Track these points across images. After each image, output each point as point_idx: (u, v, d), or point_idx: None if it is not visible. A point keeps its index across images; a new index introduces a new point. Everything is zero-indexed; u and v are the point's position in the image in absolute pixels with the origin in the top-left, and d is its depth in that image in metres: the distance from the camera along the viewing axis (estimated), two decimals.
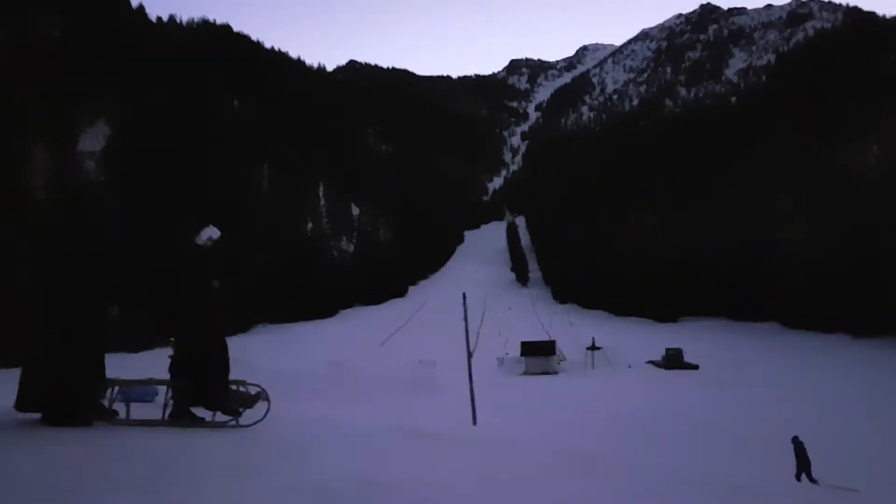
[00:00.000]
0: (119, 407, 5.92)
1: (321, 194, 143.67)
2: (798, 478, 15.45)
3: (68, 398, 4.74)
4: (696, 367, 54.20)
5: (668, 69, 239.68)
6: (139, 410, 5.65)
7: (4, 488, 3.07)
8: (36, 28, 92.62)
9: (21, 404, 4.80)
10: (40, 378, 4.76)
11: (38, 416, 4.82)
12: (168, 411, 5.54)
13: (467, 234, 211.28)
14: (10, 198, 68.53)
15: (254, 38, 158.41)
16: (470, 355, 24.54)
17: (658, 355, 58.73)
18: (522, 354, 58.83)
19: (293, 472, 3.74)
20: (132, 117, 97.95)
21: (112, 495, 3.06)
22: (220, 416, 5.44)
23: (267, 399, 5.74)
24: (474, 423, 19.90)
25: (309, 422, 5.69)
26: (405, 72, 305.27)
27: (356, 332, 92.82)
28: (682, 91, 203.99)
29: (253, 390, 5.88)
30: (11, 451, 3.70)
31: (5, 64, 79.93)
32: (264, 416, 5.48)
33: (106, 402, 5.73)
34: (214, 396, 5.51)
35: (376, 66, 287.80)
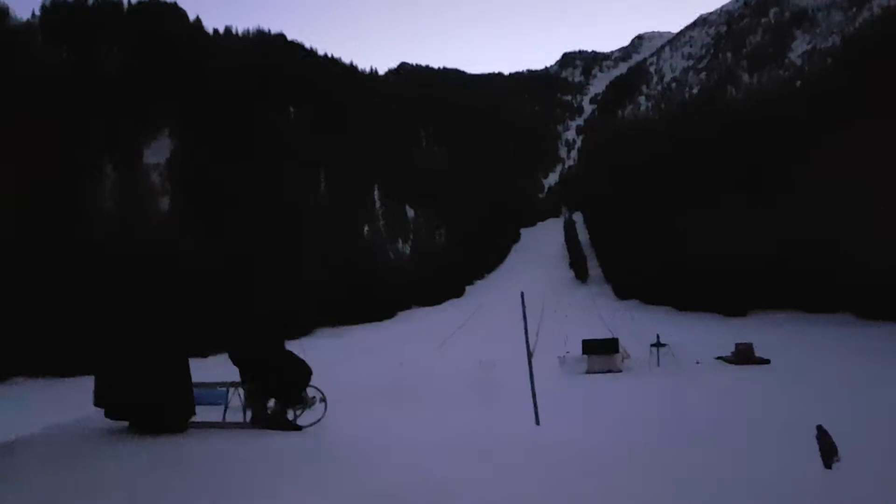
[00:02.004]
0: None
1: (376, 198, 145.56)
2: (828, 466, 14.91)
3: (158, 406, 4.86)
4: (767, 361, 52.21)
5: (729, 55, 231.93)
6: (209, 414, 5.79)
7: (91, 493, 3.16)
8: (100, 49, 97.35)
9: (109, 411, 4.95)
10: (127, 386, 4.88)
11: (124, 422, 4.99)
12: (249, 415, 5.69)
13: (523, 231, 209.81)
14: (81, 211, 72.25)
15: (307, 45, 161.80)
16: (530, 355, 24.26)
17: (727, 351, 56.81)
18: (584, 353, 57.89)
19: (361, 479, 3.74)
20: (194, 130, 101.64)
21: (194, 499, 3.11)
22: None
23: (324, 401, 5.80)
24: (537, 423, 19.67)
25: (372, 426, 5.70)
26: (456, 71, 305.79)
27: (414, 333, 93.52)
28: (745, 77, 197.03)
29: (310, 392, 5.94)
30: (96, 457, 3.82)
31: (74, 83, 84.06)
32: (321, 418, 5.53)
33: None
34: (289, 399, 5.63)
35: (427, 66, 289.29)
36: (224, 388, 9.99)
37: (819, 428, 16.31)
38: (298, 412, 5.73)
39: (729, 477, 5.58)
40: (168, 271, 5.83)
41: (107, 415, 4.99)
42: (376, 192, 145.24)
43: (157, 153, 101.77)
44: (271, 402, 5.67)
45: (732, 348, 56.44)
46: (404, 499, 3.34)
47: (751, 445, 18.00)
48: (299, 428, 5.35)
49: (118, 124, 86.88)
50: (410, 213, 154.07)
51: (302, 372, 5.59)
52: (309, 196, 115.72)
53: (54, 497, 3.16)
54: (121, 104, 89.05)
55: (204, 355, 36.76)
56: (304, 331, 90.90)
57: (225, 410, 5.90)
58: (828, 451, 15.50)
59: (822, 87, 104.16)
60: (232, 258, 62.39)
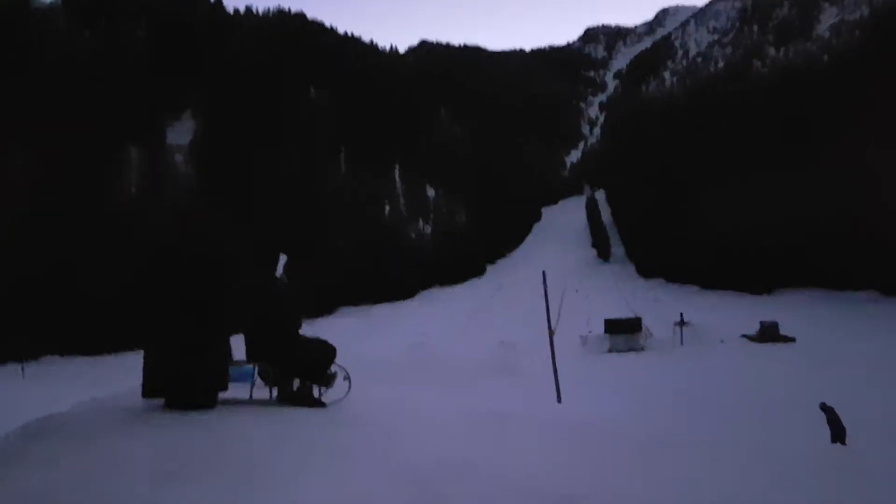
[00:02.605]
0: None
1: (397, 177, 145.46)
2: (836, 441, 15.05)
3: (188, 378, 4.98)
4: (793, 339, 51.66)
5: (755, 28, 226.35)
6: (236, 391, 5.90)
7: (117, 471, 3.25)
8: (123, 29, 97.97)
9: (147, 391, 5.09)
10: (166, 364, 5.01)
11: (159, 401, 5.13)
12: (275, 392, 5.82)
13: (545, 210, 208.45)
14: (106, 191, 73.32)
15: (327, 24, 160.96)
16: (552, 334, 24.31)
17: (752, 329, 56.30)
18: (606, 332, 57.80)
19: (383, 455, 3.79)
20: (216, 110, 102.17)
21: (220, 476, 3.19)
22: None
23: (348, 378, 5.89)
24: (559, 401, 19.75)
25: (395, 404, 5.78)
26: (477, 48, 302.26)
27: (435, 312, 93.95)
28: (771, 51, 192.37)
29: (335, 370, 6.03)
30: (128, 436, 3.93)
31: (97, 65, 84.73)
32: (345, 395, 5.62)
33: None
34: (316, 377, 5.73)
35: (447, 44, 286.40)
36: (251, 366, 10.16)
37: (823, 406, 16.46)
38: (323, 390, 5.83)
39: (747, 453, 5.56)
40: (206, 246, 5.94)
41: (143, 394, 5.12)
42: (397, 172, 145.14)
43: (181, 134, 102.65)
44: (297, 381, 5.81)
45: (757, 326, 55.93)
46: (425, 474, 3.39)
47: (772, 423, 17.91)
48: (324, 405, 5.45)
49: (141, 105, 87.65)
50: (431, 192, 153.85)
51: (325, 350, 5.68)
52: (329, 176, 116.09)
53: (81, 473, 3.26)
54: (143, 85, 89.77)
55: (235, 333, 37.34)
56: (326, 309, 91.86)
57: (252, 388, 6.02)
58: (836, 427, 15.70)
59: (850, 60, 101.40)
60: (257, 238, 63.08)
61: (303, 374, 5.57)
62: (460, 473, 3.45)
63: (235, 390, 5.98)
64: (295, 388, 5.82)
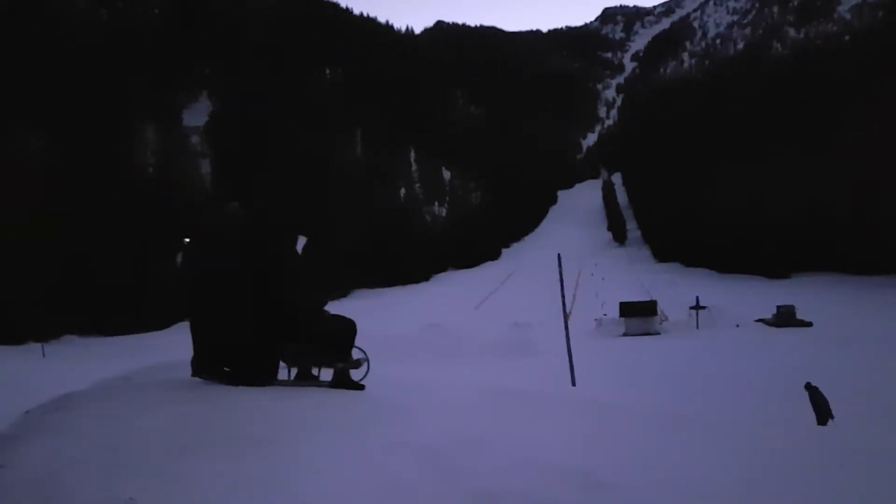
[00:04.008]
0: None
1: (412, 159, 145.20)
2: (823, 423, 15.10)
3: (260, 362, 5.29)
4: (809, 324, 51.24)
5: (775, 9, 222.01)
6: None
7: (138, 443, 3.32)
8: (137, 7, 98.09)
9: (200, 370, 5.32)
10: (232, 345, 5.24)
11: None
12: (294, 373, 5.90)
13: (561, 193, 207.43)
14: (124, 173, 73.89)
15: (343, 5, 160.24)
16: (567, 316, 24.29)
17: (768, 313, 55.88)
18: (621, 315, 57.62)
19: (395, 432, 3.82)
20: (232, 91, 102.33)
21: (228, 450, 3.25)
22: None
23: (366, 360, 5.94)
24: (573, 384, 19.77)
25: (407, 382, 5.82)
26: (493, 29, 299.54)
27: (450, 295, 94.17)
28: (791, 32, 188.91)
29: (355, 354, 6.07)
30: (148, 410, 4.01)
31: (112, 43, 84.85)
32: (364, 376, 5.67)
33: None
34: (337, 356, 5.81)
35: (464, 25, 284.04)
36: None
37: (808, 386, 16.54)
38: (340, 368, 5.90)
39: (760, 437, 5.54)
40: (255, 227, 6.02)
41: (193, 373, 5.30)
42: (412, 154, 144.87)
43: (196, 115, 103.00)
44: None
45: (774, 310, 55.49)
46: (439, 450, 3.42)
47: (780, 404, 17.81)
48: (362, 387, 5.48)
49: (157, 86, 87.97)
50: (447, 174, 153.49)
51: (348, 325, 5.71)
52: (344, 157, 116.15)
53: (103, 445, 3.33)
54: (159, 65, 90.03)
55: None
56: (341, 292, 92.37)
57: (288, 370, 6.11)
58: (821, 408, 15.75)
59: (871, 41, 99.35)
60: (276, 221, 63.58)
61: (329, 351, 5.62)
62: (475, 448, 3.47)
63: None
64: (315, 370, 5.90)
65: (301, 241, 6.13)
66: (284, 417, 3.90)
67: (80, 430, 3.51)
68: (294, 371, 5.94)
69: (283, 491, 2.72)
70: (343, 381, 5.51)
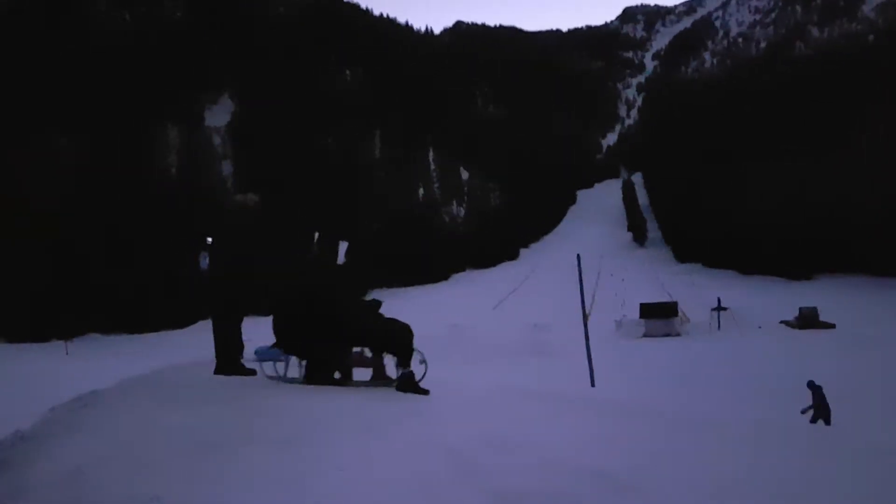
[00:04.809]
0: (254, 365, 6.44)
1: (431, 160, 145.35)
2: (815, 421, 15.00)
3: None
4: (832, 326, 50.48)
5: (798, 8, 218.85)
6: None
7: (163, 442, 3.36)
8: (160, 9, 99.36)
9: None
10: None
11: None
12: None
13: (580, 193, 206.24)
14: (146, 174, 74.89)
15: (363, 5, 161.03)
16: (586, 317, 24.14)
17: (791, 315, 55.14)
18: (641, 317, 57.20)
19: (418, 431, 3.83)
20: (253, 92, 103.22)
21: (253, 448, 3.28)
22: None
23: (424, 361, 6.03)
24: (592, 384, 19.67)
25: (430, 382, 5.81)
26: (513, 29, 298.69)
27: (469, 296, 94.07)
28: (815, 31, 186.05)
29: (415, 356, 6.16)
30: (173, 409, 4.06)
31: (134, 46, 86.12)
32: (422, 377, 5.79)
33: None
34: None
35: (483, 25, 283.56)
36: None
37: (811, 384, 16.52)
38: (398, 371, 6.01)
39: (781, 442, 5.48)
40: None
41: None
42: (431, 154, 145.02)
43: (218, 116, 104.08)
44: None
45: (796, 312, 54.73)
46: (459, 449, 3.43)
47: (798, 406, 17.57)
48: (427, 392, 5.53)
49: (180, 87, 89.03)
50: (465, 174, 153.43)
51: (407, 329, 5.79)
52: (365, 159, 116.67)
53: (128, 443, 3.37)
54: (182, 67, 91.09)
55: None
56: (361, 292, 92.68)
57: (286, 367, 6.22)
58: (820, 407, 15.90)
59: (894, 38, 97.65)
60: (293, 220, 63.97)
61: (396, 353, 5.73)
62: (499, 450, 3.48)
63: (276, 369, 6.14)
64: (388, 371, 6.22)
65: (343, 246, 6.32)
66: (311, 417, 3.93)
67: (106, 428, 3.56)
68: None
69: (308, 490, 2.73)
70: (409, 386, 5.55)
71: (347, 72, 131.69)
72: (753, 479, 3.77)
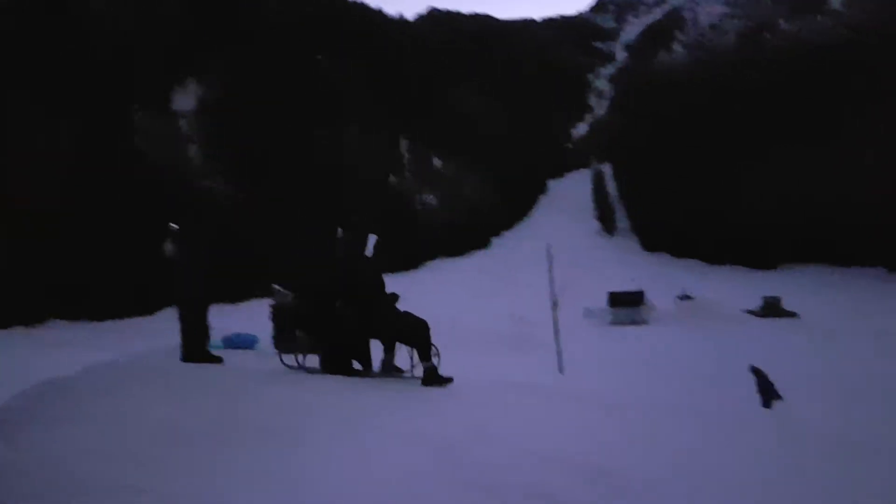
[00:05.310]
0: (221, 353, 6.40)
1: (403, 147, 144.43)
2: (767, 405, 15.49)
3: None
4: (795, 314, 51.91)
5: (769, 1, 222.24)
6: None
7: (133, 431, 3.33)
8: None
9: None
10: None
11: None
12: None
13: (551, 183, 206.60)
14: (112, 157, 73.09)
15: None
16: (555, 306, 24.44)
17: (754, 304, 56.48)
18: (610, 305, 57.98)
19: (397, 421, 3.87)
20: (222, 78, 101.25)
21: (237, 438, 3.27)
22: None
23: (437, 354, 6.09)
24: (560, 372, 19.98)
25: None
26: (487, 17, 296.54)
27: (441, 283, 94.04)
28: (783, 24, 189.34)
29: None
30: (143, 397, 4.03)
31: (129, 36, 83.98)
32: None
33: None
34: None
35: (457, 13, 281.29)
36: (254, 335, 10.44)
37: (753, 368, 16.99)
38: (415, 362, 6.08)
39: (742, 424, 5.67)
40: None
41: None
42: (404, 143, 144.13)
43: (185, 101, 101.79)
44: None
45: (760, 301, 56.07)
46: (448, 441, 3.48)
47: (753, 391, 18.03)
48: (451, 380, 5.59)
49: (146, 70, 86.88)
50: (438, 162, 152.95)
51: (418, 323, 5.86)
52: (334, 146, 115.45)
53: (96, 433, 3.35)
54: (147, 47, 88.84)
55: (238, 301, 37.79)
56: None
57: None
58: (766, 390, 16.18)
59: (866, 35, 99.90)
60: (264, 210, 63.28)
61: (416, 346, 5.78)
62: (477, 440, 3.54)
63: (244, 358, 6.13)
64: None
65: (371, 240, 6.36)
66: (293, 408, 3.94)
67: (85, 418, 3.53)
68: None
69: (290, 480, 2.75)
70: (434, 378, 5.62)
71: (318, 58, 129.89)
72: (723, 465, 3.90)
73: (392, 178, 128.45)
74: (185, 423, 3.45)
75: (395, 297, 6.35)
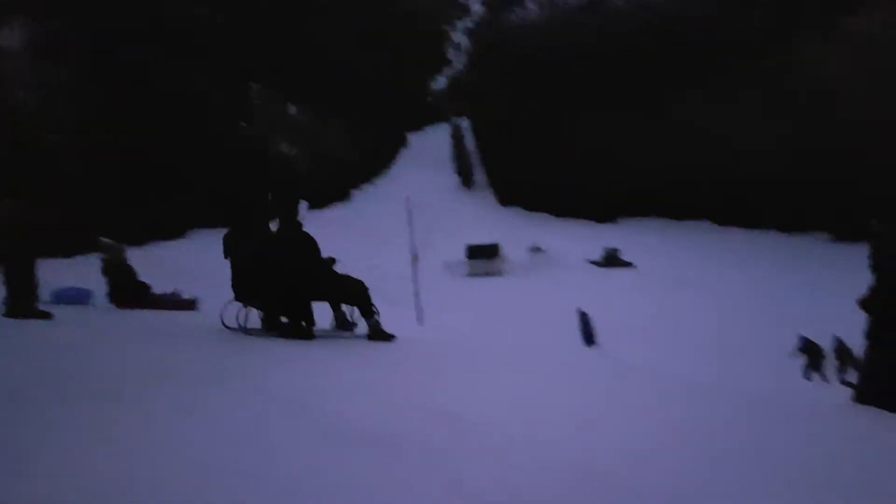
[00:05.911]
0: (53, 308, 6.03)
1: (256, 95, 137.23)
2: (589, 344, 18.13)
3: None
4: (631, 264, 56.68)
5: None
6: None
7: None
8: None
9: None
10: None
11: None
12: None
13: (411, 136, 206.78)
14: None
15: None
16: (415, 259, 24.91)
17: (597, 254, 60.96)
18: (467, 257, 59.96)
19: (257, 378, 3.90)
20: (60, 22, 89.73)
21: (69, 394, 3.15)
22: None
23: (377, 312, 6.28)
24: (420, 324, 20.54)
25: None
26: None
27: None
28: None
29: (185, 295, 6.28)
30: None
31: None
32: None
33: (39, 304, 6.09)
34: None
35: None
36: (90, 290, 9.88)
37: (580, 312, 19.42)
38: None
39: (565, 362, 6.30)
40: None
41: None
42: (257, 89, 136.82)
43: (9, 36, 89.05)
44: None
45: (602, 252, 60.73)
46: (293, 395, 3.57)
47: (609, 337, 19.95)
48: (394, 337, 5.89)
49: None
50: (294, 111, 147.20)
51: (358, 284, 6.13)
52: (182, 91, 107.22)
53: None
54: None
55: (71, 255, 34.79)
56: (176, 233, 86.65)
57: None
58: (588, 332, 18.75)
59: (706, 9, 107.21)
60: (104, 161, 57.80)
61: (358, 305, 6.16)
62: (336, 392, 3.66)
63: (78, 311, 5.79)
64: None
65: (303, 206, 6.79)
66: (122, 366, 3.83)
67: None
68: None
69: (131, 436, 2.73)
70: (378, 334, 5.88)
71: None
72: (549, 398, 4.35)
73: (242, 125, 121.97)
74: (17, 381, 3.26)
75: (332, 260, 6.76)
